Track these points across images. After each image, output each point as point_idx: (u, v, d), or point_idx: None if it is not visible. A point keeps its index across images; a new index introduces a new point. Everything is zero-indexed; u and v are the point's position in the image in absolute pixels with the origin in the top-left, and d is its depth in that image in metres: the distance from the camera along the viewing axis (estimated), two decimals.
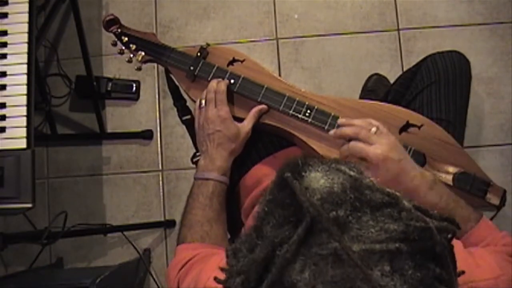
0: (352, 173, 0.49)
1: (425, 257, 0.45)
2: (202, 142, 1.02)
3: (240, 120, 1.03)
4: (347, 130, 0.90)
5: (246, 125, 1.01)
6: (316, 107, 1.00)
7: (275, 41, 1.86)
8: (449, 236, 0.48)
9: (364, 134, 0.87)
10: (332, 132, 0.94)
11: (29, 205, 1.05)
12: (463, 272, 0.50)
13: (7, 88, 1.11)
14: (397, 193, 0.47)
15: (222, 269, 0.52)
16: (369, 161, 0.85)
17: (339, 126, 0.95)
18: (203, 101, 1.02)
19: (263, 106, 1.03)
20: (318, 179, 0.48)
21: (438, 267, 0.45)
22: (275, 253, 0.46)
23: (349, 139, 0.90)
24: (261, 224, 0.49)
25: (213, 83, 1.02)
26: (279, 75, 1.42)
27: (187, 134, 1.20)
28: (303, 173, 0.49)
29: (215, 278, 0.53)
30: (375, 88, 1.74)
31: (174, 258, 0.91)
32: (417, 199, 0.86)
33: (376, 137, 0.87)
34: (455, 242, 0.69)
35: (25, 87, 1.11)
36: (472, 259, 0.73)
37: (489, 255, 0.77)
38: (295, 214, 0.46)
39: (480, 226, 0.87)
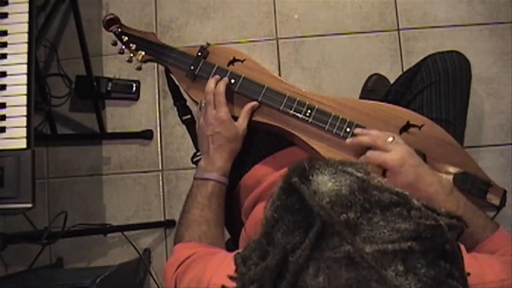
0: (359, 174, 0.49)
1: (436, 255, 0.45)
2: (202, 143, 1.02)
3: None
4: (363, 139, 0.91)
5: (242, 123, 1.02)
6: (316, 107, 1.00)
7: (275, 41, 1.86)
8: (457, 233, 0.48)
9: (381, 142, 0.88)
10: (348, 140, 0.94)
11: (29, 205, 1.05)
12: (468, 274, 0.50)
13: (7, 88, 1.11)
14: (406, 192, 0.47)
15: (231, 278, 0.51)
16: (387, 168, 0.86)
17: (354, 135, 0.95)
18: (203, 103, 1.02)
19: (255, 103, 1.03)
20: (325, 182, 0.48)
21: (448, 264, 0.45)
22: (287, 259, 0.46)
23: (366, 148, 0.91)
24: (271, 230, 0.49)
25: (211, 84, 1.02)
26: (279, 75, 1.42)
27: (187, 134, 1.20)
28: (310, 177, 0.49)
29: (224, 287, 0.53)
30: (375, 88, 1.74)
31: (171, 257, 0.90)
32: (435, 205, 0.86)
33: (392, 145, 0.88)
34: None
35: (25, 87, 1.11)
36: (477, 263, 0.73)
37: (493, 260, 0.77)
38: (306, 219, 0.46)
39: (496, 236, 0.86)
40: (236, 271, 0.51)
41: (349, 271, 0.43)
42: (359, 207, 0.45)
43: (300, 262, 0.45)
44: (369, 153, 0.89)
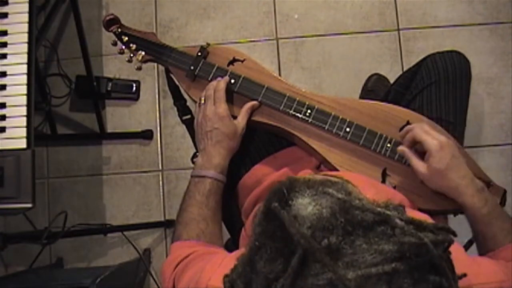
0: (340, 195, 0.48)
1: (423, 271, 0.45)
2: (200, 139, 1.02)
3: None
4: (413, 126, 0.95)
5: (241, 121, 1.02)
6: (316, 107, 1.00)
7: (275, 41, 1.86)
8: (446, 245, 0.48)
9: (428, 128, 0.92)
10: (402, 133, 0.96)
11: (29, 205, 1.05)
12: (464, 275, 0.50)
13: (7, 88, 1.11)
14: (388, 212, 0.47)
15: None
16: (425, 149, 0.90)
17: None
18: (203, 99, 1.02)
19: (255, 102, 1.03)
20: (306, 206, 0.47)
21: (437, 276, 0.45)
22: None
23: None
24: (253, 258, 0.48)
25: (213, 82, 1.02)
26: (279, 75, 1.42)
27: (187, 134, 1.20)
28: (290, 202, 0.48)
29: None
30: (375, 88, 1.74)
31: (169, 255, 0.90)
32: (462, 198, 0.89)
33: (437, 133, 0.92)
34: (456, 248, 0.69)
35: (25, 87, 1.10)
36: (476, 265, 0.73)
37: (494, 263, 0.77)
38: (287, 246, 0.45)
39: None
40: None
41: None
42: (340, 230, 0.45)
43: None
44: (417, 129, 0.92)
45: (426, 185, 0.94)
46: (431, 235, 0.46)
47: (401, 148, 0.95)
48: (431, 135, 0.90)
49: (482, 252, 0.91)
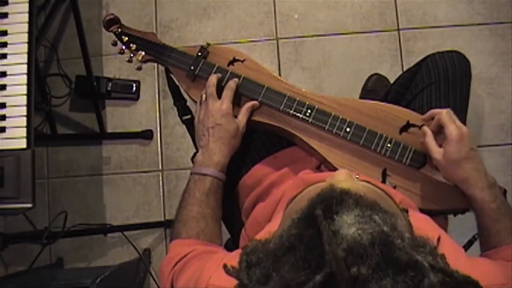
0: (385, 228, 0.47)
1: None
2: (201, 136, 1.01)
3: None
4: (438, 109, 0.96)
5: (241, 120, 1.01)
6: (316, 107, 1.00)
7: (275, 41, 1.87)
8: None
9: (454, 115, 0.94)
10: (426, 115, 0.98)
11: (29, 205, 1.05)
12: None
13: (7, 88, 1.11)
14: (425, 263, 0.45)
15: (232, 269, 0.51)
16: (446, 135, 0.91)
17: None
18: (204, 96, 1.02)
19: (255, 102, 1.03)
20: (349, 226, 0.46)
21: None
22: None
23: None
24: (279, 257, 0.47)
25: (213, 78, 1.02)
26: (279, 75, 1.42)
27: (187, 134, 1.20)
28: (335, 215, 0.47)
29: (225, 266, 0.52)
30: (375, 88, 1.74)
31: (168, 253, 0.90)
32: (472, 190, 0.90)
33: (460, 123, 0.93)
34: (457, 250, 0.68)
35: (25, 87, 1.10)
36: (477, 267, 0.73)
37: (494, 265, 0.77)
38: (316, 259, 0.44)
39: None
40: (237, 274, 0.51)
41: None
42: (374, 263, 0.44)
43: None
44: (446, 111, 0.93)
45: (429, 183, 0.94)
46: None
47: (425, 128, 0.95)
48: (455, 124, 0.91)
49: (484, 248, 0.91)
